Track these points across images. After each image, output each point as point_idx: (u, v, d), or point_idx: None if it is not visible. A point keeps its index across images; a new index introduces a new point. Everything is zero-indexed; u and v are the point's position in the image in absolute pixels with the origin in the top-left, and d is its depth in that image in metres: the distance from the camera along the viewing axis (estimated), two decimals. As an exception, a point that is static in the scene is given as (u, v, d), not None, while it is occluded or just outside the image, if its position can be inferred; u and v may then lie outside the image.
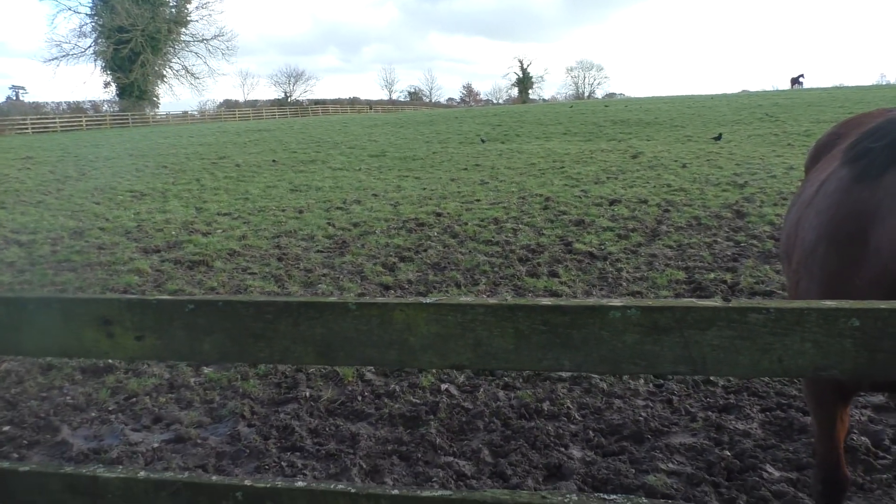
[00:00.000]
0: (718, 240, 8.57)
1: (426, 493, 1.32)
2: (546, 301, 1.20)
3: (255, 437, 4.26)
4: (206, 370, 5.27)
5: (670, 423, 4.32)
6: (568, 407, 4.50)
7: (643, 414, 4.40)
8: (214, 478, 1.41)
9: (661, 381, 4.88)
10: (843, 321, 1.10)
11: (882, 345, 1.10)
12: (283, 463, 3.95)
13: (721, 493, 3.58)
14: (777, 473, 3.73)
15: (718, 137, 19.38)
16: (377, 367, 5.15)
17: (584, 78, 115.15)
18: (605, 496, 1.31)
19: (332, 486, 1.36)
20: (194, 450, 4.15)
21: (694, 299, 1.20)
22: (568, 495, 1.30)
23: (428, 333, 1.23)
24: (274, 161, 20.20)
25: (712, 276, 7.07)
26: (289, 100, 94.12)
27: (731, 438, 4.09)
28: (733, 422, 4.29)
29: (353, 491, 1.35)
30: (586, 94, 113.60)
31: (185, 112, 69.81)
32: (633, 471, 3.79)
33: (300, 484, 1.34)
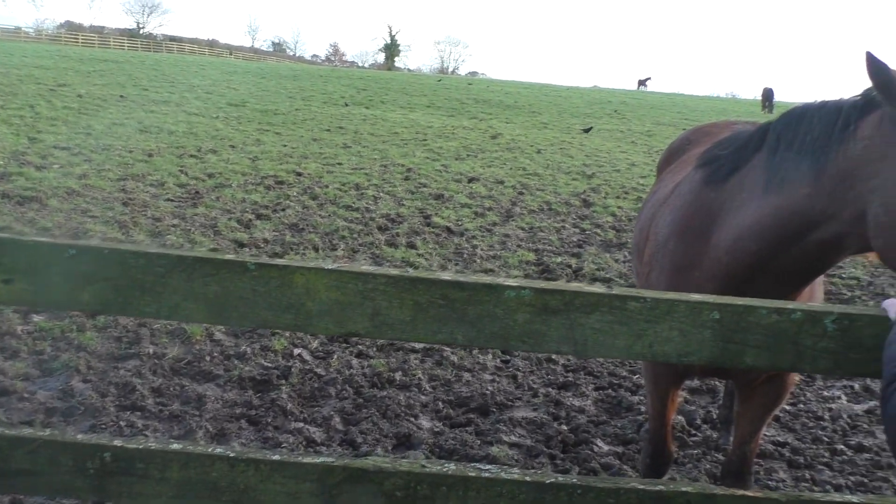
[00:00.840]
0: (566, 226, 9.05)
1: (307, 460, 1.32)
2: (446, 276, 1.24)
3: (90, 393, 4.00)
4: (35, 318, 4.86)
5: (514, 397, 4.55)
6: (419, 378, 4.61)
7: (490, 388, 4.61)
8: (80, 437, 1.33)
9: (508, 357, 5.12)
10: (707, 313, 1.23)
11: (735, 336, 1.24)
12: (121, 422, 3.74)
13: (556, 464, 3.85)
14: (606, 447, 4.06)
15: (588, 130, 20.00)
16: (227, 328, 4.99)
17: (450, 53, 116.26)
18: (481, 466, 1.39)
19: (209, 450, 1.33)
20: (20, 404, 3.84)
21: (582, 284, 1.29)
22: (447, 465, 1.36)
23: (327, 299, 1.23)
24: (122, 97, 18.70)
25: (559, 259, 7.47)
26: (141, 31, 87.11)
27: (568, 414, 4.39)
28: (570, 398, 4.61)
29: (231, 455, 1.32)
30: (450, 69, 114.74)
31: (19, 28, 62.80)
32: (479, 442, 3.97)
33: (175, 446, 1.29)
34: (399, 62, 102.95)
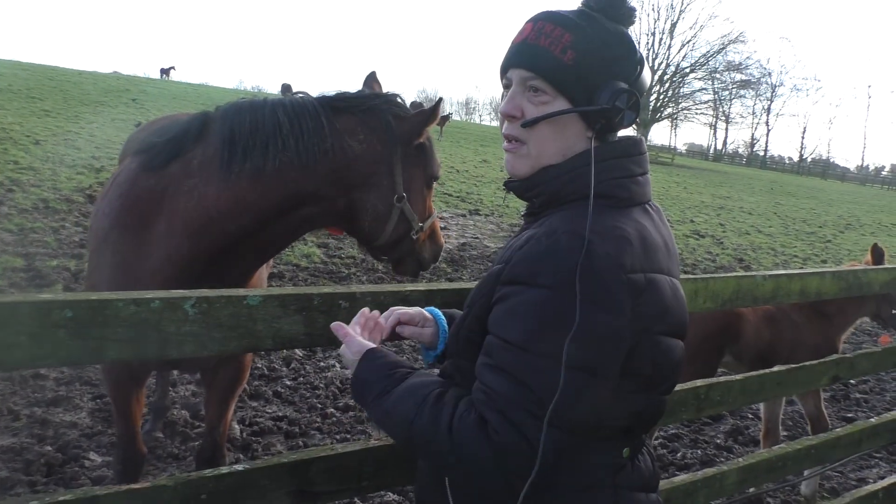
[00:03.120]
0: (67, 225, 8.18)
1: None
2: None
3: None
4: None
5: (-11, 425, 3.93)
6: None
7: (-47, 421, 3.89)
8: None
9: (-19, 382, 4.39)
10: (58, 312, 1.17)
11: (93, 332, 1.21)
12: None
13: (37, 490, 3.44)
14: (100, 459, 3.79)
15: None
16: None
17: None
18: None
19: None
20: None
21: None
22: None
23: None
24: None
25: (55, 263, 6.71)
26: None
27: (57, 432, 3.97)
28: (61, 414, 4.17)
29: None
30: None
31: None
32: (-68, 488, 3.32)
33: None
34: None
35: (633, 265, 1.22)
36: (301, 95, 2.40)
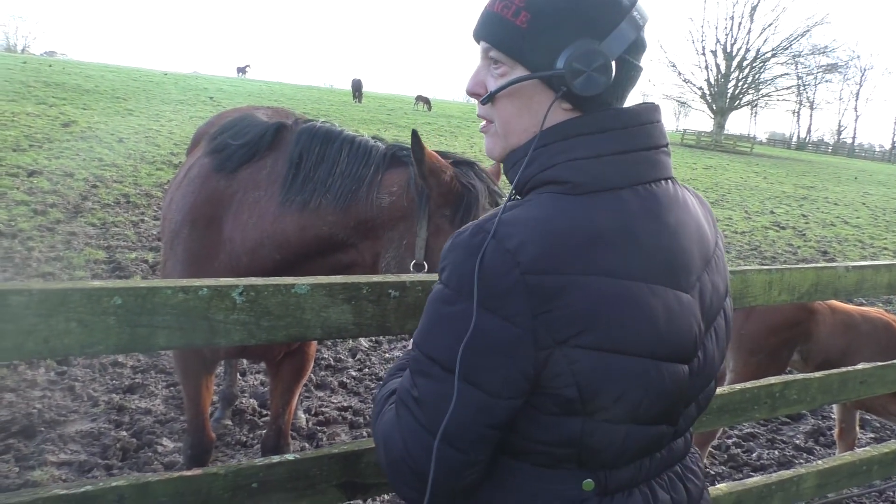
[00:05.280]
0: (146, 219, 8.50)
1: None
2: None
3: None
4: None
5: (70, 410, 4.11)
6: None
7: (38, 405, 4.08)
8: None
9: (65, 369, 4.60)
10: (107, 300, 1.18)
11: (142, 320, 1.21)
12: None
13: (113, 474, 3.57)
14: (172, 444, 3.90)
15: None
16: None
17: (17, 29, 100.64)
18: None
19: None
20: None
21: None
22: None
23: None
24: None
25: (134, 255, 6.98)
26: None
27: (132, 418, 4.11)
28: (137, 401, 4.32)
29: None
30: (19, 47, 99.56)
31: None
32: (18, 469, 3.48)
33: None
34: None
35: (545, 265, 1.02)
36: (375, 141, 2.32)
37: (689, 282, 1.14)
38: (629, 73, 1.16)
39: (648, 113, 1.17)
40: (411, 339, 1.20)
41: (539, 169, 1.13)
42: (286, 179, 2.25)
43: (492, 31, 1.16)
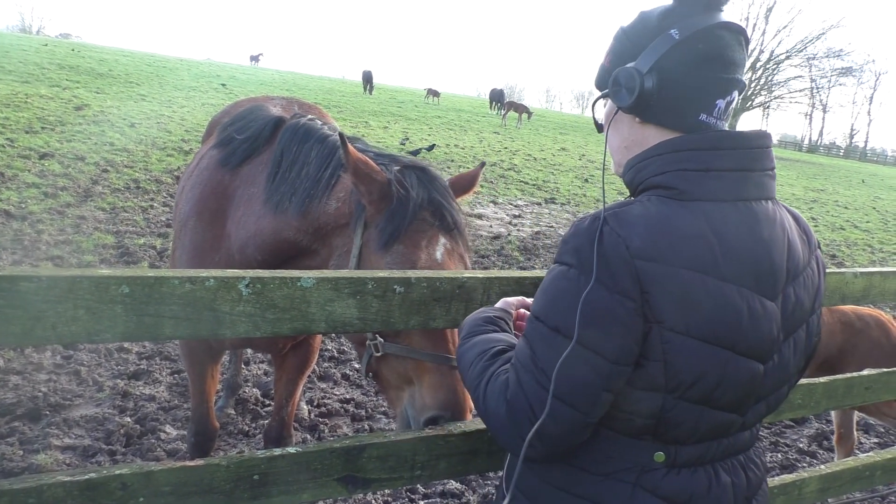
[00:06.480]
0: (155, 205, 8.52)
1: None
2: None
3: None
4: None
5: (75, 395, 4.13)
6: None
7: (44, 389, 4.11)
8: None
9: (71, 353, 4.62)
10: (115, 288, 1.18)
11: (149, 309, 1.22)
12: None
13: (116, 459, 3.59)
14: (175, 432, 3.92)
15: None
16: None
17: (32, 10, 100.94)
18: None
19: None
20: None
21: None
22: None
23: None
24: None
25: (142, 241, 7.00)
26: None
27: (136, 404, 4.13)
28: (141, 387, 4.34)
29: None
30: (35, 29, 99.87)
31: None
32: (22, 452, 3.51)
33: None
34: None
35: (650, 254, 1.17)
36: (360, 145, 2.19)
37: (775, 291, 1.28)
38: (697, 83, 1.28)
39: (759, 139, 1.32)
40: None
41: (650, 174, 1.28)
42: (269, 178, 2.23)
43: (597, 75, 1.42)
